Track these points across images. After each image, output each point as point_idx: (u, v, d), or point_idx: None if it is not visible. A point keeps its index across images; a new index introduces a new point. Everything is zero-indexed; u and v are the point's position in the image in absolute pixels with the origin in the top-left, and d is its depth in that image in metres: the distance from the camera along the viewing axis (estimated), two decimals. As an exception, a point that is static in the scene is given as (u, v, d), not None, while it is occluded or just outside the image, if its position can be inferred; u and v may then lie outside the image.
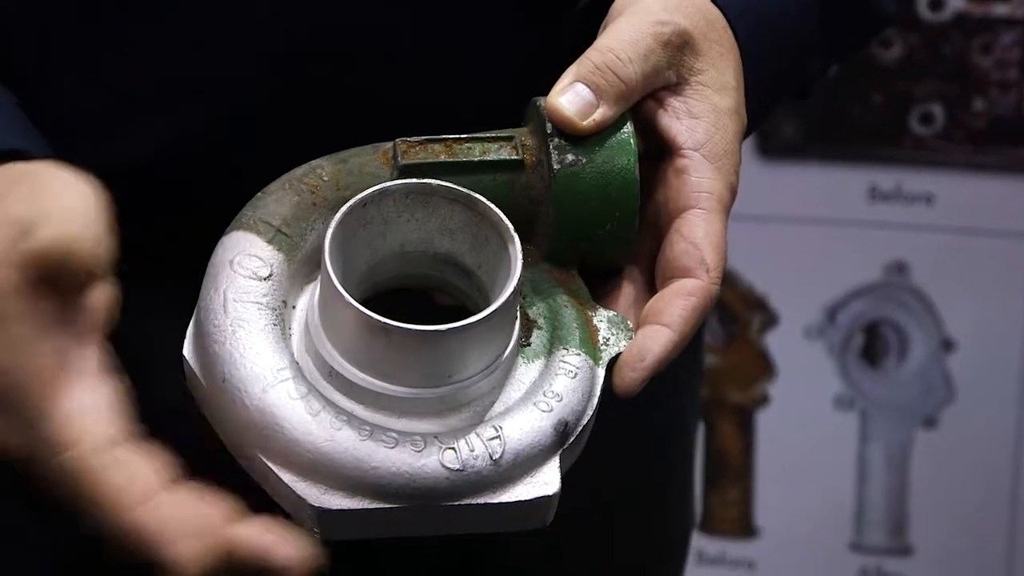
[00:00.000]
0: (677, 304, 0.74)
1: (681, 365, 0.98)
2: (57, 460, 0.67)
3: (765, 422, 2.04)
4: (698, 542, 1.96)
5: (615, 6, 0.79)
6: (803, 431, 2.02)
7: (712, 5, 0.80)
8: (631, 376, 0.73)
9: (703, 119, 0.77)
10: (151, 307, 0.81)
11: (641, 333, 0.74)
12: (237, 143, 0.83)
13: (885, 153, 1.97)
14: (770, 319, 2.03)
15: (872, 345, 2.02)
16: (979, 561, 2.00)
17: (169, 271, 0.81)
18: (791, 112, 1.96)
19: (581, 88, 0.75)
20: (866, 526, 2.02)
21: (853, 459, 2.02)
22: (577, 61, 0.76)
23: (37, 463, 0.68)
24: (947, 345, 1.98)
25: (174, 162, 0.83)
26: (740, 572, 2.05)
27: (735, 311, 2.03)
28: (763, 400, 2.04)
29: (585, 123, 0.75)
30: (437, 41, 0.82)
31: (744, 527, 2.05)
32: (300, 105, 0.83)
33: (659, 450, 1.01)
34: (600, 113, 0.75)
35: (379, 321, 0.69)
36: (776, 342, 2.03)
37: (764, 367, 2.03)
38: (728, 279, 2.02)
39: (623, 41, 0.76)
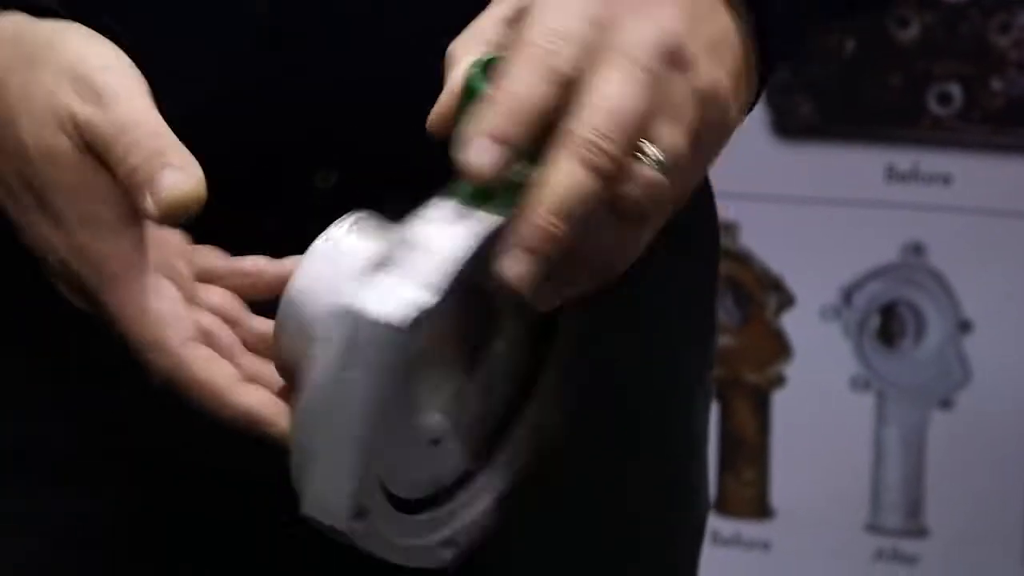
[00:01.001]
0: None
1: (688, 340, 0.98)
2: (145, 356, 0.70)
3: (781, 403, 2.04)
4: (713, 523, 1.96)
5: None
6: (819, 412, 2.02)
7: None
8: None
9: None
10: None
11: None
12: (231, 121, 0.83)
13: (902, 133, 1.96)
14: (786, 300, 2.02)
15: (888, 326, 2.01)
16: (995, 542, 1.99)
17: None
18: (808, 92, 1.95)
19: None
20: (882, 507, 2.02)
21: (869, 440, 2.02)
22: None
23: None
24: (964, 326, 1.98)
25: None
26: (755, 553, 2.05)
27: (751, 291, 2.02)
28: (779, 381, 2.03)
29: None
30: (428, 19, 0.81)
31: (759, 508, 2.05)
32: (290, 87, 0.82)
33: (670, 428, 1.01)
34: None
35: None
36: (792, 323, 2.02)
37: (780, 348, 2.03)
38: (744, 259, 2.01)
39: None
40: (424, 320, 0.64)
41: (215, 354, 0.71)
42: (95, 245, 0.71)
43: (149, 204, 0.69)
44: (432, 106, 0.72)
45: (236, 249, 0.76)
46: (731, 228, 1.99)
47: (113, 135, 0.70)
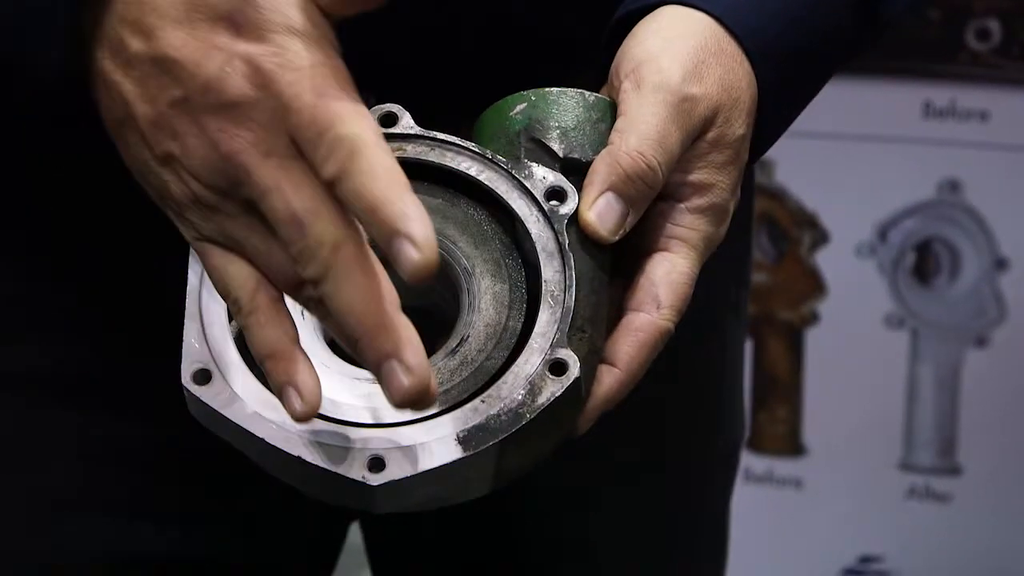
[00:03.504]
0: (625, 342, 0.75)
1: (723, 275, 0.98)
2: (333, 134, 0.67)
3: (814, 340, 2.03)
4: (746, 460, 1.96)
5: (631, 50, 0.78)
6: (853, 350, 2.01)
7: (725, 36, 0.79)
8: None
9: (698, 174, 0.78)
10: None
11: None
12: None
13: (940, 69, 1.95)
14: (821, 237, 2.01)
15: (924, 264, 2.00)
16: (1028, 481, 1.99)
17: None
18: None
19: (613, 201, 0.75)
20: (915, 445, 2.02)
21: (903, 378, 2.01)
22: (608, 161, 0.75)
23: (266, 174, 0.69)
24: (1000, 264, 1.97)
25: None
26: (787, 490, 2.05)
27: (785, 228, 2.01)
28: (812, 318, 2.03)
29: (616, 237, 0.75)
30: None
31: (792, 445, 2.05)
32: None
33: (705, 354, 1.01)
34: (629, 222, 0.75)
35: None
36: (826, 260, 2.01)
37: (814, 285, 2.02)
38: (778, 196, 2.00)
39: (651, 141, 0.75)
40: None
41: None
42: (310, 52, 0.69)
43: None
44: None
45: None
46: (766, 165, 1.98)
47: None
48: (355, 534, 1.06)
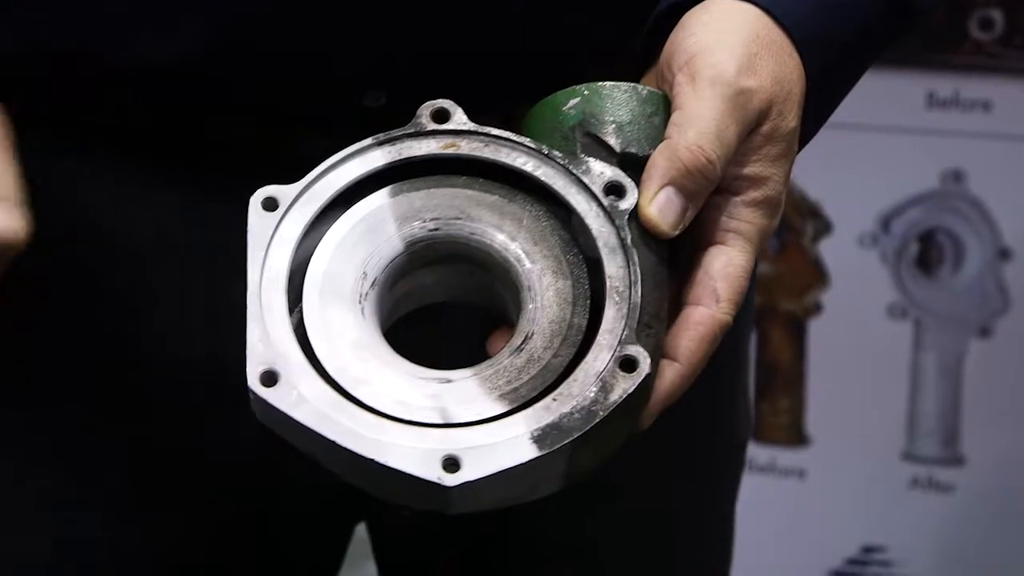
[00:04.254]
0: (684, 336, 0.75)
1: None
2: None
3: (817, 331, 2.03)
4: (748, 450, 1.95)
5: (682, 43, 0.78)
6: (856, 340, 2.01)
7: (775, 28, 0.79)
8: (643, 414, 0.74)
9: (753, 167, 0.78)
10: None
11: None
12: (282, 43, 0.83)
13: (943, 59, 1.94)
14: (824, 227, 2.01)
15: (927, 254, 2.00)
16: (1031, 472, 1.99)
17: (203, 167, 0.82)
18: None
19: (673, 195, 0.75)
20: (918, 436, 2.02)
21: (906, 369, 2.01)
22: (667, 155, 0.75)
23: None
24: (1003, 254, 1.97)
25: (199, 63, 0.83)
26: (790, 480, 2.05)
27: (788, 218, 2.01)
28: (815, 309, 2.03)
29: (676, 232, 0.75)
30: None
31: (795, 435, 2.05)
32: (340, 8, 0.82)
33: (714, 356, 1.01)
34: (688, 216, 0.75)
35: None
36: (829, 250, 2.01)
37: (817, 275, 2.02)
38: (782, 186, 2.00)
39: (709, 135, 0.75)
40: None
41: None
42: None
43: None
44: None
45: (286, 170, 0.77)
46: (769, 155, 1.97)
47: None
48: (360, 526, 1.06)
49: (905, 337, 2.01)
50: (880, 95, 1.95)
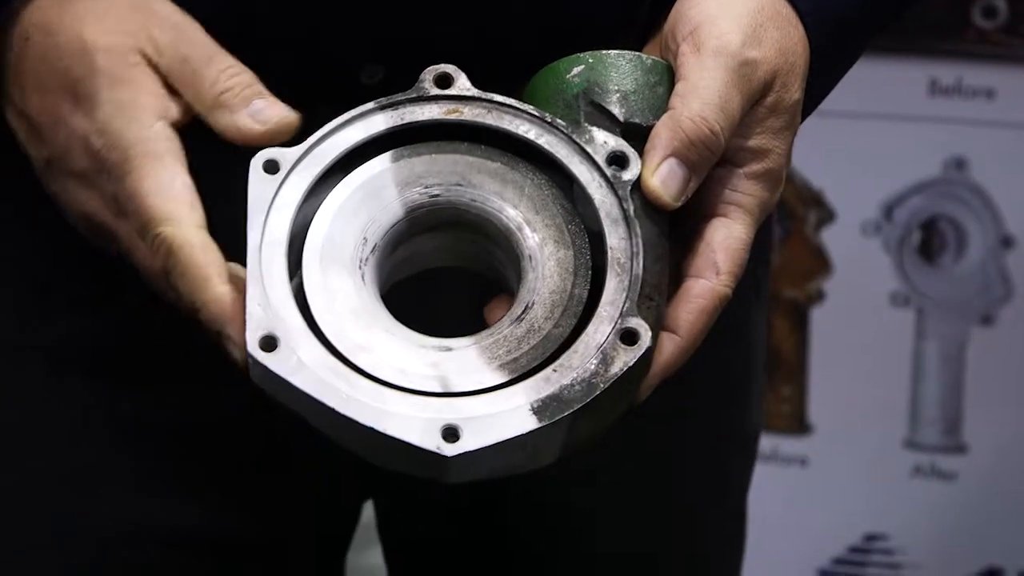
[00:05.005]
0: (684, 308, 0.74)
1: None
2: (155, 232, 0.73)
3: (820, 319, 2.03)
4: (751, 438, 1.95)
5: (687, 12, 0.78)
6: (858, 328, 2.01)
7: (781, 1, 0.79)
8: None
9: (756, 139, 0.78)
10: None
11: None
12: (279, 17, 0.83)
13: (946, 47, 1.94)
14: (826, 215, 2.01)
15: (929, 241, 2.00)
16: (1034, 460, 1.99)
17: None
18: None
19: (676, 167, 0.74)
20: (920, 424, 2.02)
21: (908, 357, 2.01)
22: (670, 126, 0.74)
23: (122, 235, 0.75)
24: (1006, 242, 1.96)
25: (228, 22, 0.83)
26: (793, 468, 2.05)
27: (791, 207, 2.01)
28: (818, 296, 2.02)
29: (679, 203, 0.74)
30: None
31: (797, 423, 2.05)
32: None
33: (728, 346, 1.01)
34: (691, 188, 0.75)
35: None
36: (832, 238, 2.01)
37: (820, 263, 2.02)
38: (784, 174, 2.00)
39: (713, 106, 0.74)
40: None
41: (215, 246, 0.74)
42: (129, 129, 0.75)
43: (247, 121, 0.75)
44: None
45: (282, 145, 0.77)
46: (772, 142, 1.97)
47: (200, 57, 0.76)
48: (367, 510, 1.06)
49: (907, 325, 2.00)
50: (883, 83, 1.94)
